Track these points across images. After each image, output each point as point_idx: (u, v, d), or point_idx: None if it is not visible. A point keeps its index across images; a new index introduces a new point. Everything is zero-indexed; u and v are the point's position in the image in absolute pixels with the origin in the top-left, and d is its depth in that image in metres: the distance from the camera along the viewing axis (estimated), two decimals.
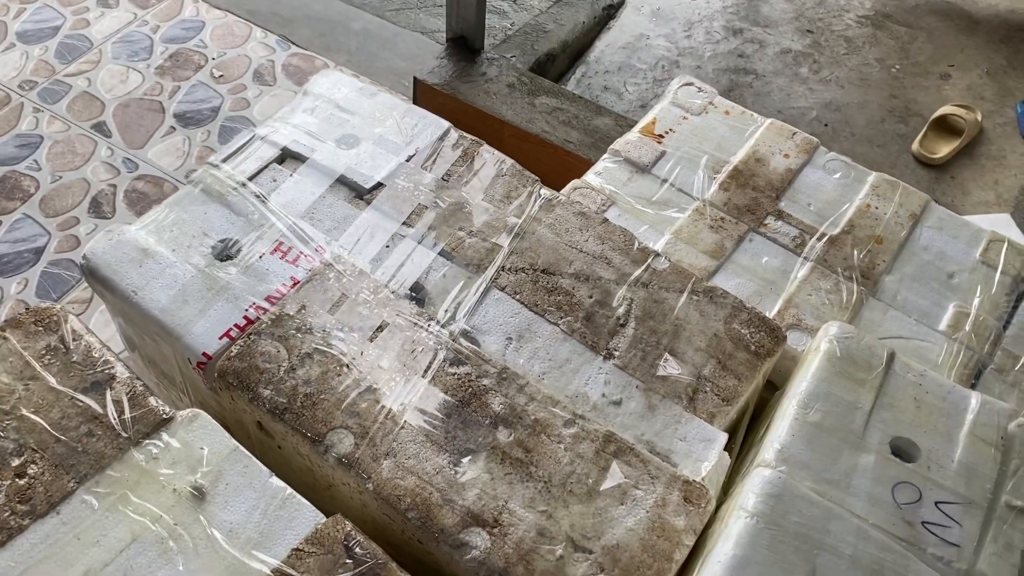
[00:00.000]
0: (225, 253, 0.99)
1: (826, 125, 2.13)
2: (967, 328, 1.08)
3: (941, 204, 2.02)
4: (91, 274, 0.97)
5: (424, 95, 1.90)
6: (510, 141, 1.91)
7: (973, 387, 1.04)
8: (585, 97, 1.92)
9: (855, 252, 1.14)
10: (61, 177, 1.83)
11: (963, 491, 0.81)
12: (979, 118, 2.16)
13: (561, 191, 1.18)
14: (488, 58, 1.91)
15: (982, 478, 0.82)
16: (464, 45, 1.93)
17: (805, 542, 0.76)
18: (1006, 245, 1.17)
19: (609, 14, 2.41)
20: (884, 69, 2.33)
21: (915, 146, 2.09)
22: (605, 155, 1.24)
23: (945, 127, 2.13)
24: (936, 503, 0.80)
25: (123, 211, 1.78)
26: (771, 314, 1.07)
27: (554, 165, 1.83)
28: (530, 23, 2.23)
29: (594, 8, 2.35)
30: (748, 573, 0.73)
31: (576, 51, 2.31)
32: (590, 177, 1.21)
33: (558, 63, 2.22)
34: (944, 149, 2.08)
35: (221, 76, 2.06)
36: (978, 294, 1.12)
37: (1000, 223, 2.18)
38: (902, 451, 0.84)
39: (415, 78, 1.88)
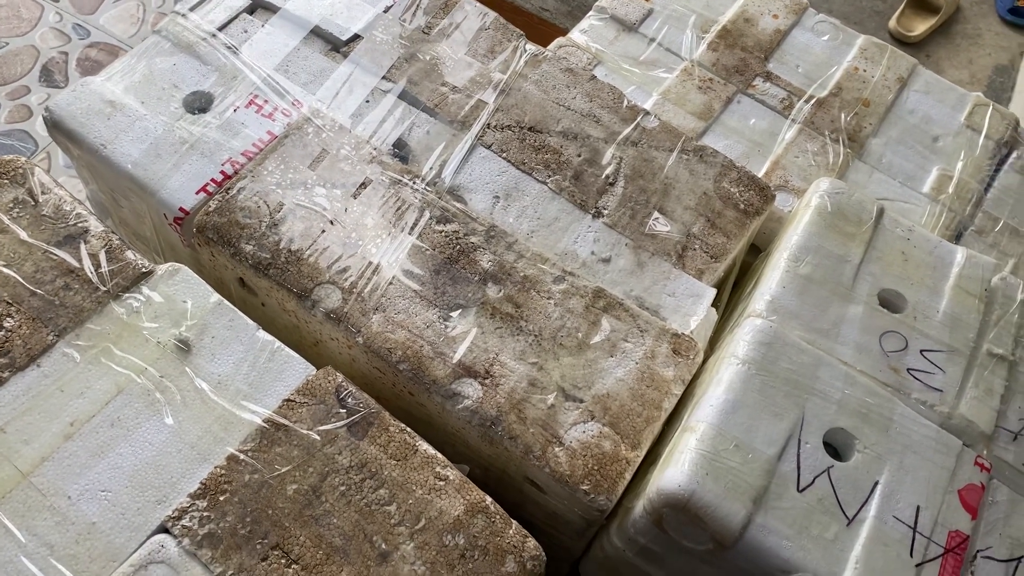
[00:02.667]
0: (197, 106, 0.94)
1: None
2: (950, 191, 1.08)
3: None
4: (56, 127, 0.92)
5: None
6: None
7: None
8: None
9: (842, 114, 1.12)
10: (7, 44, 1.72)
11: (947, 340, 0.82)
12: None
13: (546, 48, 1.14)
14: None
15: (966, 328, 0.83)
16: None
17: (795, 387, 0.77)
18: (991, 109, 1.16)
19: None
20: None
21: (892, 23, 2.05)
22: (591, 12, 1.19)
23: (922, 4, 2.09)
24: (921, 351, 0.81)
25: (77, 80, 1.68)
26: (760, 174, 1.06)
27: (529, 35, 1.77)
28: None
29: None
30: (739, 415, 0.74)
31: None
32: (575, 35, 1.17)
33: None
34: (921, 27, 2.05)
35: None
36: (962, 157, 1.12)
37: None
38: (889, 302, 0.85)
39: None
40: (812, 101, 1.13)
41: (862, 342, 0.81)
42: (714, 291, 0.90)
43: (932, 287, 0.86)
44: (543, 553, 0.75)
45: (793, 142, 1.09)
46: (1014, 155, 1.14)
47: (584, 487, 0.78)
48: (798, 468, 0.73)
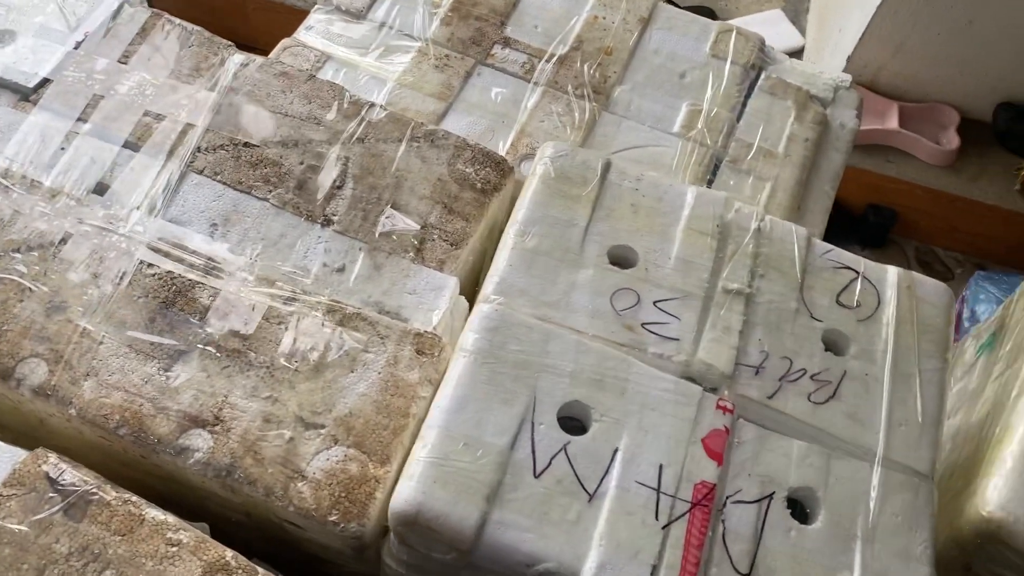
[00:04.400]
0: None
1: None
2: (700, 125, 1.07)
3: (716, 8, 2.01)
4: None
5: None
6: (255, 15, 1.75)
7: (710, 183, 1.04)
8: None
9: (585, 68, 1.10)
10: None
11: (680, 285, 0.81)
12: None
13: (270, 54, 1.08)
14: None
15: (699, 269, 0.82)
16: None
17: (525, 368, 0.74)
18: (734, 34, 1.15)
19: None
20: None
21: None
22: (316, 6, 1.14)
23: None
24: (654, 302, 0.80)
25: None
26: (505, 147, 1.03)
27: None
28: None
29: None
30: (468, 411, 0.71)
31: None
32: (301, 34, 1.11)
33: None
34: None
35: None
36: (710, 88, 1.11)
37: (772, 19, 2.21)
38: (620, 259, 0.83)
39: None
40: (553, 60, 1.10)
41: (594, 306, 0.79)
42: (455, 280, 0.86)
43: (663, 234, 0.84)
44: None
45: (537, 106, 1.06)
46: (762, 77, 1.14)
47: (332, 518, 0.74)
48: (533, 453, 0.70)
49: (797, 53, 2.10)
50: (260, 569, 0.71)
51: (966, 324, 1.47)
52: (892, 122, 1.70)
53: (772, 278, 0.83)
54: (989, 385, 0.96)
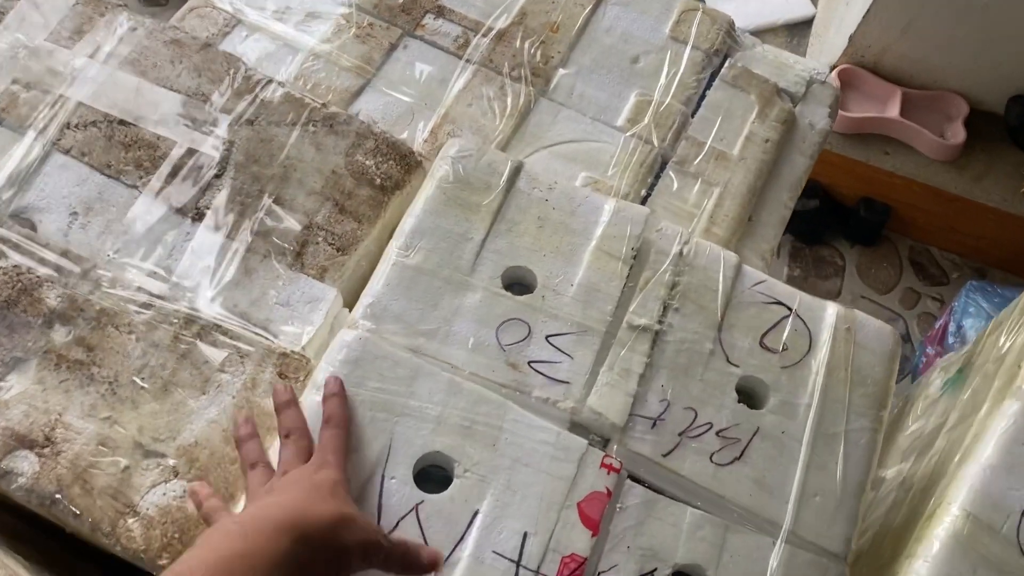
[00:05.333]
0: None
1: None
2: (647, 119, 0.95)
3: None
4: None
5: None
6: None
7: (652, 185, 0.93)
8: None
9: (526, 46, 0.98)
10: None
11: (579, 318, 0.71)
12: None
13: (177, 13, 0.97)
14: None
15: (603, 299, 0.72)
16: None
17: (384, 410, 0.65)
18: (700, 14, 1.03)
19: None
20: None
21: None
22: None
23: None
24: (547, 337, 0.70)
25: None
26: (424, 133, 0.92)
27: None
28: None
29: None
30: None
31: None
32: None
33: None
34: None
35: None
36: (664, 76, 0.98)
37: None
38: (516, 283, 0.73)
39: None
40: (491, 34, 0.98)
41: (477, 338, 0.69)
42: (334, 292, 0.77)
43: (569, 256, 0.74)
44: None
45: (467, 88, 0.95)
46: (726, 65, 1.01)
47: (162, 562, 0.66)
48: (379, 511, 0.62)
49: (806, 24, 1.94)
50: None
51: (951, 340, 1.35)
52: (893, 110, 1.55)
53: (687, 313, 0.73)
54: (943, 435, 0.86)
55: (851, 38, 1.55)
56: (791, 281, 0.79)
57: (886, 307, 1.52)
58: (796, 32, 1.93)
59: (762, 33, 1.88)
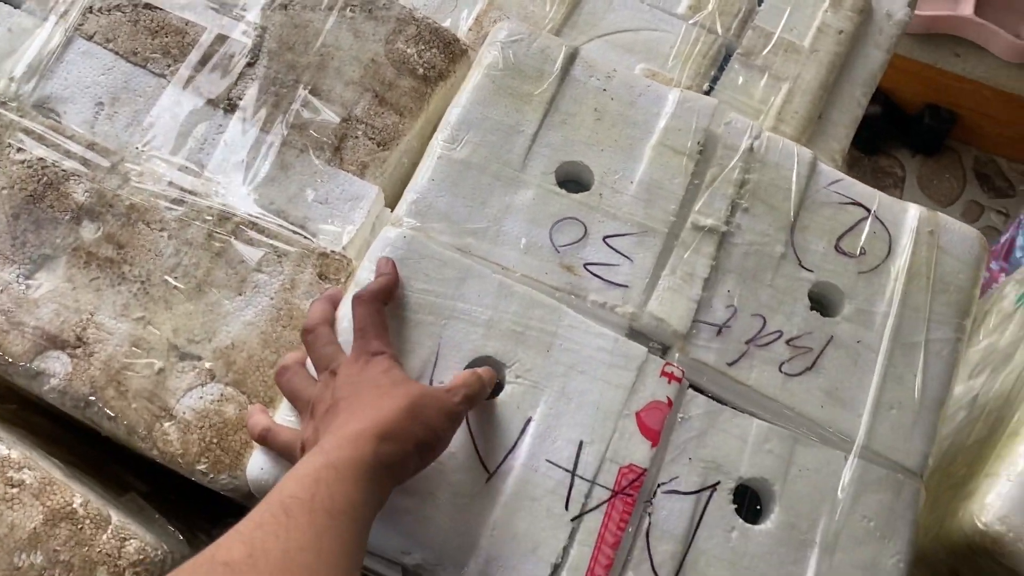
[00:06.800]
0: None
1: None
2: (710, 6, 0.88)
3: None
4: None
5: None
6: None
7: (715, 80, 0.86)
8: None
9: None
10: None
11: (640, 218, 0.65)
12: None
13: None
14: None
15: (666, 198, 0.66)
16: None
17: (432, 313, 0.61)
18: None
19: None
20: None
21: None
22: None
23: None
24: (604, 238, 0.65)
25: None
26: (468, 21, 0.85)
27: None
28: None
29: None
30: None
31: None
32: None
33: None
34: None
35: None
36: None
37: None
38: (571, 179, 0.67)
39: None
40: None
41: (529, 238, 0.64)
42: (377, 189, 0.72)
43: (629, 150, 0.68)
44: (159, 551, 0.61)
45: None
46: None
47: (201, 467, 0.63)
48: None
49: None
50: (113, 516, 0.62)
51: (1018, 254, 1.28)
52: (967, 7, 1.44)
53: (757, 213, 0.67)
54: (1022, 350, 0.80)
55: None
56: None
57: None
58: None
59: None
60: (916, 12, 1.48)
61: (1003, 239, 1.37)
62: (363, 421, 0.49)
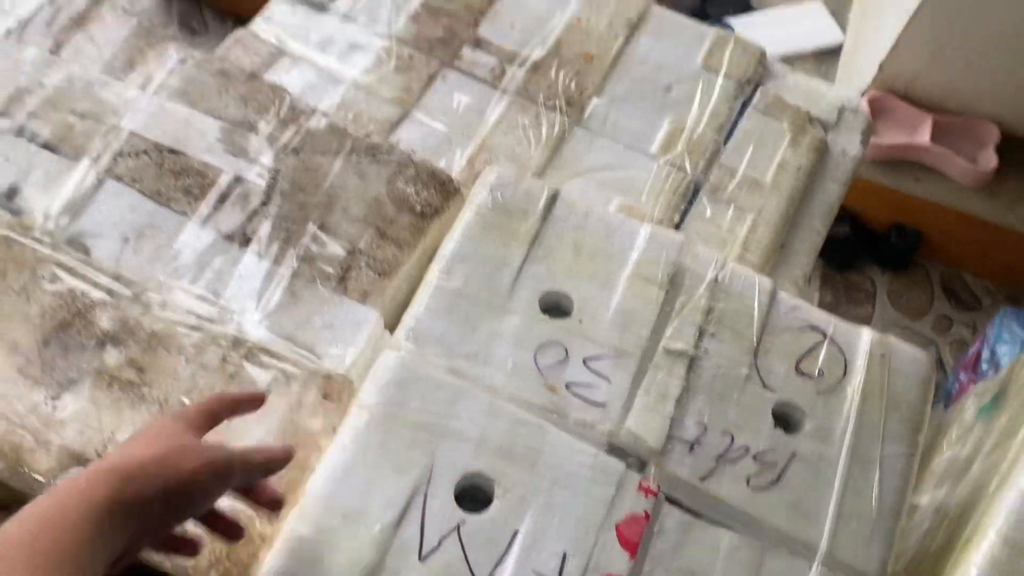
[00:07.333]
0: None
1: None
2: (680, 147, 0.97)
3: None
4: None
5: None
6: None
7: (684, 213, 0.94)
8: None
9: (560, 76, 1.00)
10: None
11: (616, 342, 0.72)
12: None
13: (220, 45, 1.01)
14: None
15: (640, 324, 0.73)
16: None
17: (425, 431, 0.67)
18: (732, 44, 1.04)
19: None
20: None
21: None
22: None
23: None
24: (584, 360, 0.71)
25: None
26: (461, 162, 0.94)
27: None
28: None
29: None
30: (354, 480, 0.64)
31: None
32: (257, 24, 1.03)
33: None
34: None
35: None
36: (696, 104, 1.00)
37: (812, 12, 2.06)
38: (553, 307, 0.74)
39: None
40: (527, 65, 1.01)
41: (516, 361, 0.71)
42: (376, 315, 0.79)
43: (605, 281, 0.75)
44: None
45: (503, 118, 0.97)
46: (758, 94, 1.03)
47: None
48: (422, 531, 0.63)
49: (835, 51, 1.96)
50: None
51: (984, 366, 1.35)
52: (924, 136, 1.56)
53: (724, 338, 0.74)
54: (978, 462, 0.86)
55: (881, 65, 1.56)
56: (823, 307, 0.80)
57: (918, 333, 1.51)
58: (824, 59, 1.94)
59: (790, 60, 1.89)
60: (877, 141, 1.60)
61: (970, 351, 1.44)
62: (113, 458, 0.50)
